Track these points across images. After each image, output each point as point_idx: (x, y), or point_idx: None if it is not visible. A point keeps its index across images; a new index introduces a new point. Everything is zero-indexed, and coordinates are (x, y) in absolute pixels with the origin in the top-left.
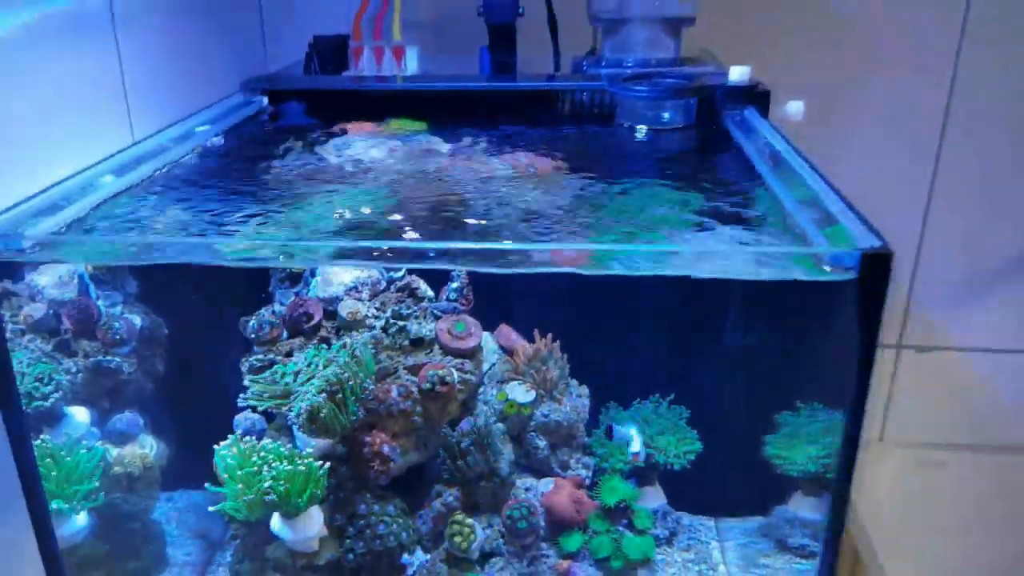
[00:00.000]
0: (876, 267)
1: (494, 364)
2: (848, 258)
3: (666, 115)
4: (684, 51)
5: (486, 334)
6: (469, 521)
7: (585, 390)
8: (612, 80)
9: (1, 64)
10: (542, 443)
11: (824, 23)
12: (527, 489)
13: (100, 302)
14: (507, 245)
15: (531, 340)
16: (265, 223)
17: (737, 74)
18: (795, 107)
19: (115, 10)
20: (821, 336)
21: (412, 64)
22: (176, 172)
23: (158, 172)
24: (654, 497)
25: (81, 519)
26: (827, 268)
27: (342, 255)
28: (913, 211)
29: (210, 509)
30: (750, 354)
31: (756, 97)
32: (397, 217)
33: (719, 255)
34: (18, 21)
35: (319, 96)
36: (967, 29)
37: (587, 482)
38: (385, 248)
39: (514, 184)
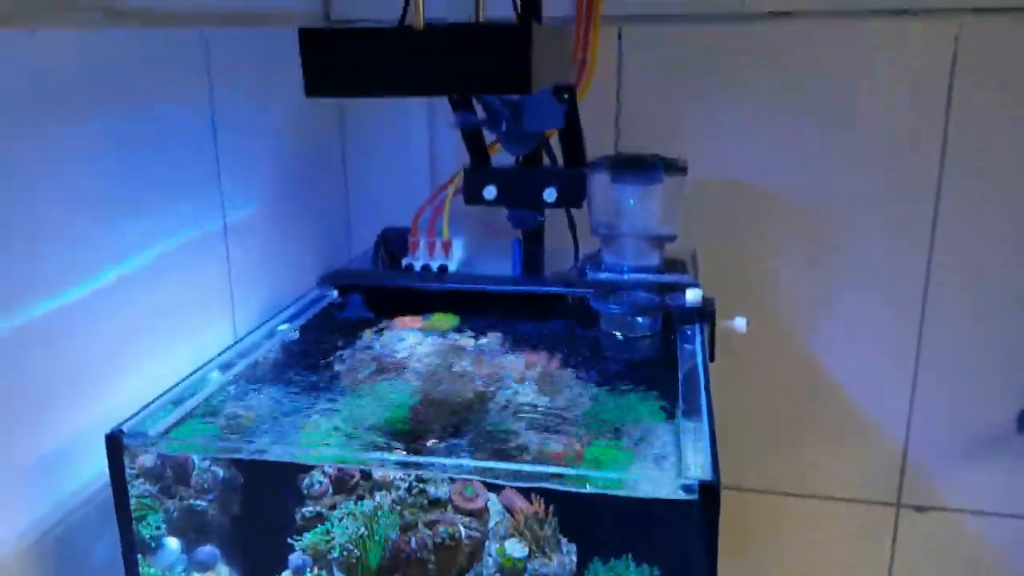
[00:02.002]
0: (709, 493)
1: (498, 522)
2: (691, 488)
3: (639, 321)
4: (676, 254)
5: (492, 495)
6: None
7: (573, 547)
8: (595, 296)
9: (149, 276)
10: None
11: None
12: None
13: (194, 457)
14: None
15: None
16: (311, 417)
17: (691, 295)
18: (740, 322)
19: (228, 223)
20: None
21: (458, 254)
22: (261, 366)
23: (249, 367)
24: None
25: None
26: (681, 492)
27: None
28: (903, 367)
29: None
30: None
31: (705, 314)
32: (418, 418)
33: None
34: (162, 248)
35: (376, 291)
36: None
37: None
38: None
39: (517, 383)
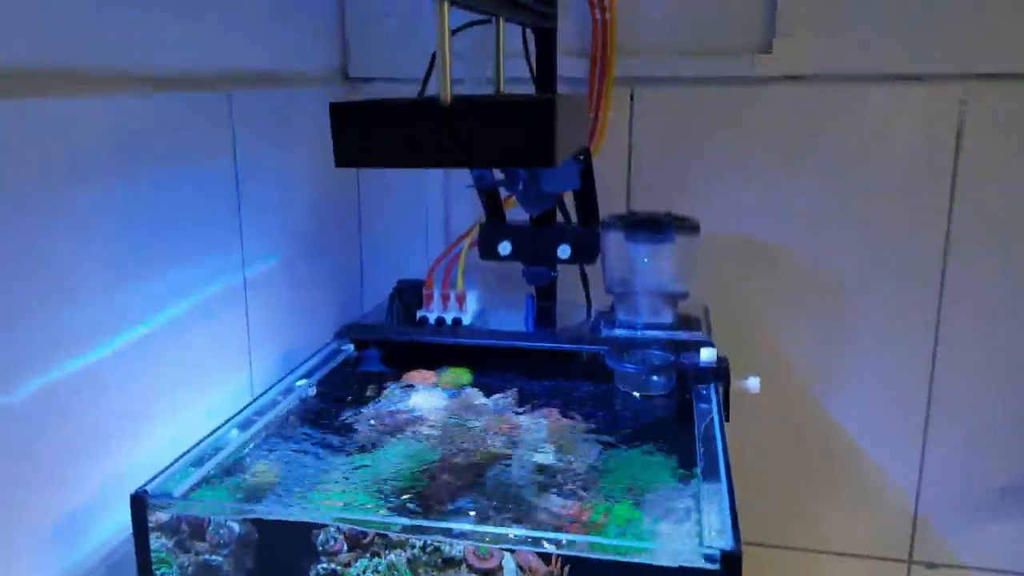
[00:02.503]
0: (731, 562)
1: None
2: (712, 558)
3: (654, 380)
4: (688, 310)
5: (507, 555)
6: None
7: None
8: (609, 355)
9: (172, 333)
10: None
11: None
12: None
13: None
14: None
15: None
16: (327, 476)
17: (706, 355)
18: (753, 382)
19: (248, 278)
20: None
21: (472, 306)
22: (279, 424)
23: (267, 425)
24: None
25: None
26: (702, 561)
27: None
28: (913, 424)
29: None
30: None
31: (720, 374)
32: (433, 478)
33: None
34: (185, 305)
35: (392, 346)
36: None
37: None
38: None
39: (533, 442)
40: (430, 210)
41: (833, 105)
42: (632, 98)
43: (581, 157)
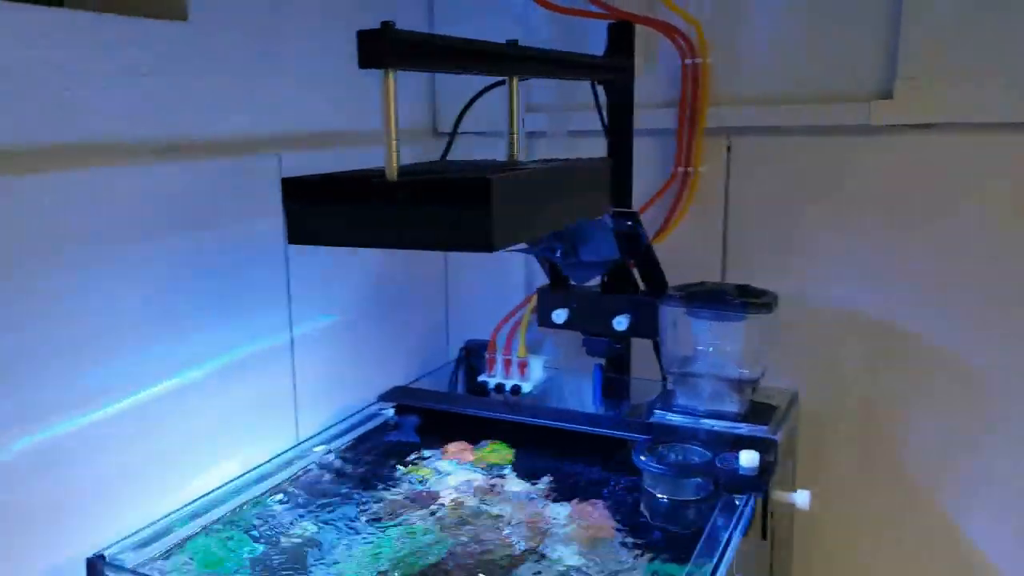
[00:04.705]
0: None
1: None
2: None
3: (685, 483)
4: (770, 396)
5: None
6: None
7: None
8: (637, 449)
9: (219, 382)
10: None
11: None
12: None
13: None
14: None
15: None
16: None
17: (746, 459)
18: (802, 497)
19: (295, 336)
20: None
21: (536, 374)
22: (298, 483)
23: (286, 481)
24: None
25: None
26: None
27: None
28: None
29: None
30: None
31: (759, 485)
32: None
33: None
34: (231, 357)
35: (433, 414)
36: None
37: None
38: None
39: (553, 539)
40: (512, 269)
41: (965, 159)
42: (729, 150)
43: (628, 223)
